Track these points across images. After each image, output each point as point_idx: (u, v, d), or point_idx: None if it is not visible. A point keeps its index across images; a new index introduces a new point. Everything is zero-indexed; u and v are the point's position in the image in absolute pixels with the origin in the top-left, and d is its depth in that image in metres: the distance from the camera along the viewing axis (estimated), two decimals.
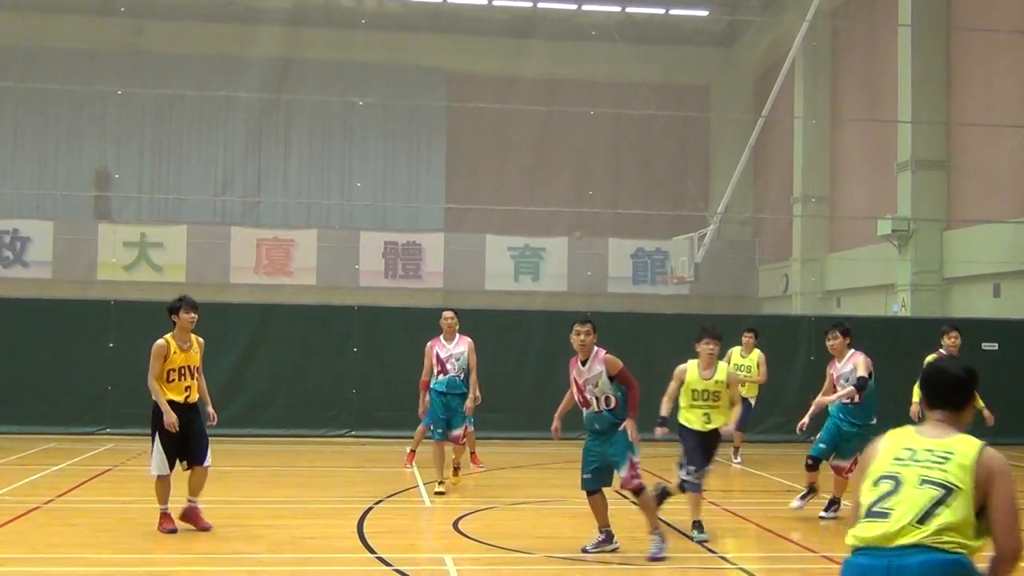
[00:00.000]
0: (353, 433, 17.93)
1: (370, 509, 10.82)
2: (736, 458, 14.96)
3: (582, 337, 8.64)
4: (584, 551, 8.71)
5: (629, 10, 31.50)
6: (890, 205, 24.36)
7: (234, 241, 30.80)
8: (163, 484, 9.30)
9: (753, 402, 14.63)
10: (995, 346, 17.22)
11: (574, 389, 8.82)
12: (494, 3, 31.45)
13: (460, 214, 31.94)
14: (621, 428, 8.58)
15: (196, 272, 30.01)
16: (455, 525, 10.03)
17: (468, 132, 33.25)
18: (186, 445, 9.28)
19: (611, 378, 8.56)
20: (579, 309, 20.23)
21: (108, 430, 17.17)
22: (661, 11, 31.85)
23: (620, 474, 8.62)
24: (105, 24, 30.63)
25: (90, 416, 17.30)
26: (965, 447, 3.96)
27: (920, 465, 3.94)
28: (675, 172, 32.23)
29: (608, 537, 8.81)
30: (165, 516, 9.32)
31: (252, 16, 31.15)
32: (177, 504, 9.48)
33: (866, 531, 3.92)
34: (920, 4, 23.74)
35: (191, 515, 9.43)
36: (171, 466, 9.26)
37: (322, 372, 18.05)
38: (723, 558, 9.06)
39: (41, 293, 22.77)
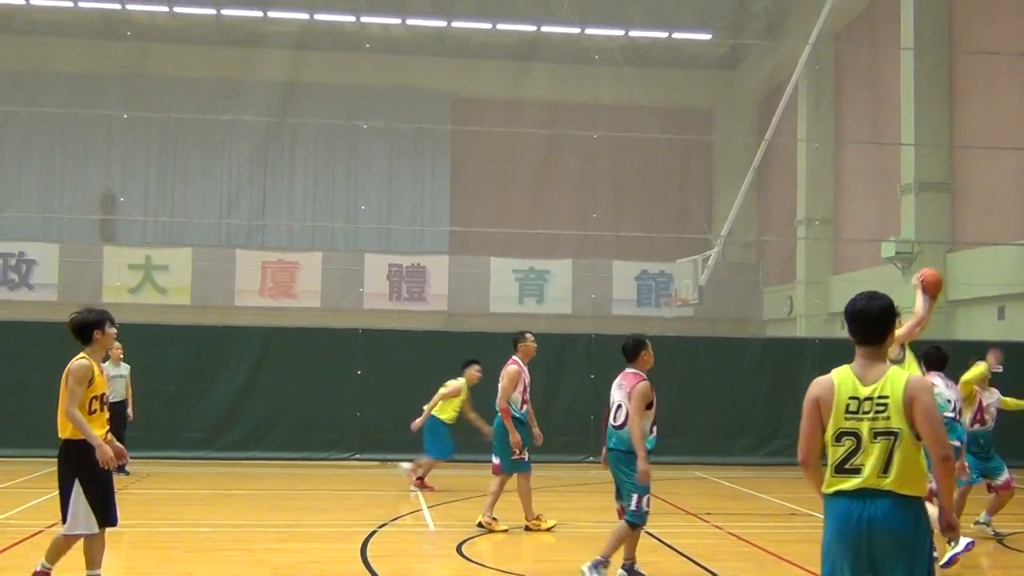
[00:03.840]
0: (357, 456, 17.92)
1: (374, 533, 10.80)
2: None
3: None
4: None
5: (632, 34, 31.63)
6: (894, 227, 24.37)
7: (239, 264, 30.84)
8: (95, 543, 7.39)
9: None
10: (1000, 368, 17.16)
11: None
12: (498, 27, 31.57)
13: (464, 237, 31.97)
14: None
15: (200, 295, 30.05)
16: (459, 549, 10.00)
17: (472, 155, 33.34)
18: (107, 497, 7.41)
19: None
20: (584, 331, 20.24)
21: None
22: (664, 35, 31.97)
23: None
24: (110, 48, 30.77)
25: None
26: (895, 387, 4.75)
27: (868, 418, 4.74)
28: (679, 195, 32.29)
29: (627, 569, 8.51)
30: None
31: (256, 40, 31.30)
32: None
33: (842, 484, 4.77)
34: (922, 27, 23.82)
35: None
36: (105, 521, 7.36)
37: (326, 395, 18.06)
38: None
39: (47, 316, 22.82)
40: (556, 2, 29.32)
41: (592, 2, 30.43)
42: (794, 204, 30.23)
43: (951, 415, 9.57)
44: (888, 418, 4.69)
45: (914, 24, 23.99)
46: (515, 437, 10.73)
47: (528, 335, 11.21)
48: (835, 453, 4.82)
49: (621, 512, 8.54)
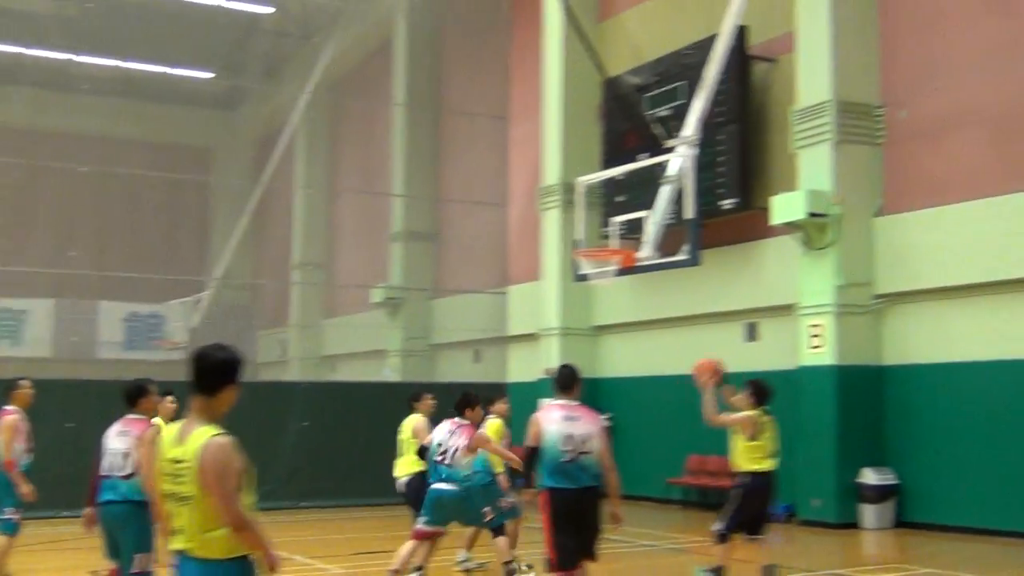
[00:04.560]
0: None
1: None
2: None
3: None
4: None
5: (127, 65, 30.36)
6: (383, 274, 25.40)
7: None
8: None
9: None
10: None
11: None
12: None
13: None
14: None
15: None
16: None
17: None
18: None
19: None
20: (63, 377, 18.91)
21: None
22: (161, 69, 31.05)
23: None
24: None
25: None
26: (191, 449, 4.24)
27: (175, 482, 4.29)
28: (172, 235, 31.37)
29: None
30: None
31: None
32: None
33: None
34: (413, 85, 25.23)
35: None
36: None
37: None
38: None
39: None
40: (42, 25, 27.43)
41: (84, 29, 28.81)
42: (289, 248, 30.52)
43: (439, 458, 9.60)
44: (183, 483, 4.29)
45: (406, 82, 25.35)
46: (24, 489, 9.67)
47: (23, 381, 10.26)
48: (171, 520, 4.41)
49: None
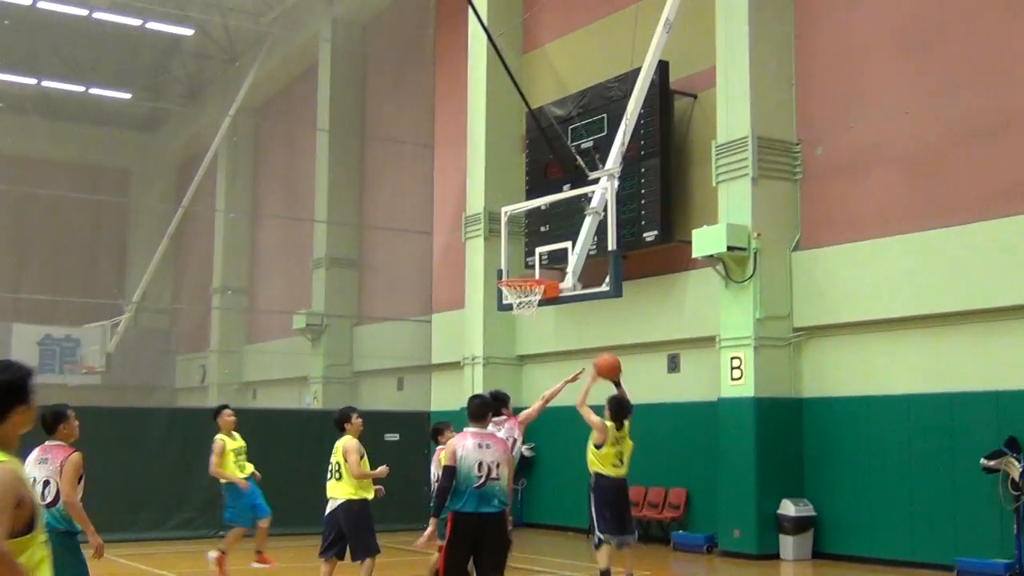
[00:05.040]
0: None
1: None
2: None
3: None
4: None
5: (45, 84, 29.82)
6: (305, 300, 25.19)
7: None
8: None
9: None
10: (396, 436, 18.25)
11: None
12: None
13: None
14: None
15: None
16: None
17: None
18: None
19: None
20: None
21: None
22: (81, 89, 30.55)
23: None
24: None
25: None
26: None
27: None
28: (90, 257, 30.78)
29: None
30: None
31: None
32: None
33: None
34: (337, 112, 25.14)
35: None
36: None
37: None
38: None
39: None
40: None
41: (1, 47, 28.26)
42: (210, 272, 30.14)
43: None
44: None
45: (330, 108, 25.25)
46: None
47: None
48: None
49: None
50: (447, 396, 20.64)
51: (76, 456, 7.74)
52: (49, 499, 7.63)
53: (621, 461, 11.09)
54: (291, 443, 18.54)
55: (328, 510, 10.27)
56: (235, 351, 29.33)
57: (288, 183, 28.35)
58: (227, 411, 12.60)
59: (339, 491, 10.17)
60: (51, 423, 7.90)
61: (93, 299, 28.07)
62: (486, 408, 8.27)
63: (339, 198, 24.92)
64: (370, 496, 10.05)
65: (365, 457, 10.00)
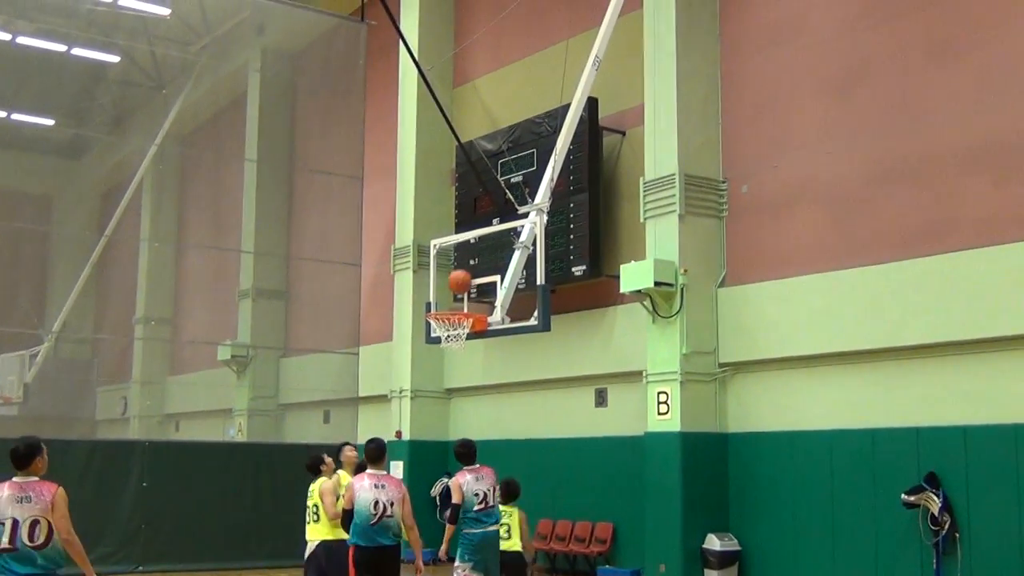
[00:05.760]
0: None
1: None
2: None
3: None
4: None
5: None
6: (231, 331, 24.87)
7: None
8: None
9: None
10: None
11: None
12: None
13: None
14: None
15: None
16: None
17: None
18: None
19: None
20: None
21: None
22: (2, 114, 29.93)
23: None
24: None
25: None
26: None
27: None
28: (8, 285, 30.06)
29: None
30: None
31: None
32: None
33: None
34: (265, 142, 24.98)
35: None
36: None
37: None
38: None
39: None
40: None
41: None
42: (134, 302, 29.62)
43: (479, 507, 9.92)
44: None
45: (258, 138, 25.08)
46: None
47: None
48: None
49: None
50: (374, 429, 20.42)
51: (63, 490, 7.29)
52: (40, 540, 7.11)
53: (509, 533, 10.33)
54: (214, 476, 18.25)
55: (307, 552, 10.38)
56: (158, 382, 28.81)
57: (215, 213, 28.04)
58: (348, 447, 11.31)
59: (317, 533, 10.30)
60: (25, 457, 7.39)
61: (11, 328, 27.40)
62: (382, 452, 9.24)
63: (266, 229, 24.71)
64: (347, 536, 9.98)
65: (342, 498, 9.87)
